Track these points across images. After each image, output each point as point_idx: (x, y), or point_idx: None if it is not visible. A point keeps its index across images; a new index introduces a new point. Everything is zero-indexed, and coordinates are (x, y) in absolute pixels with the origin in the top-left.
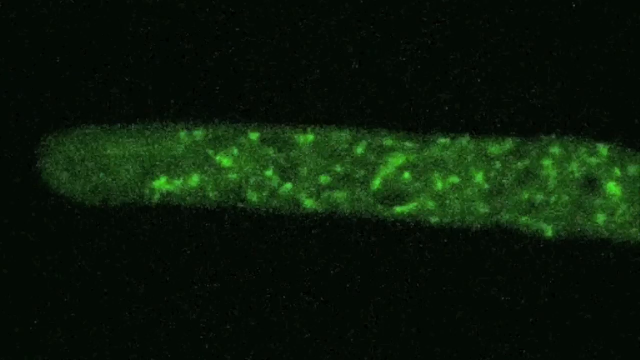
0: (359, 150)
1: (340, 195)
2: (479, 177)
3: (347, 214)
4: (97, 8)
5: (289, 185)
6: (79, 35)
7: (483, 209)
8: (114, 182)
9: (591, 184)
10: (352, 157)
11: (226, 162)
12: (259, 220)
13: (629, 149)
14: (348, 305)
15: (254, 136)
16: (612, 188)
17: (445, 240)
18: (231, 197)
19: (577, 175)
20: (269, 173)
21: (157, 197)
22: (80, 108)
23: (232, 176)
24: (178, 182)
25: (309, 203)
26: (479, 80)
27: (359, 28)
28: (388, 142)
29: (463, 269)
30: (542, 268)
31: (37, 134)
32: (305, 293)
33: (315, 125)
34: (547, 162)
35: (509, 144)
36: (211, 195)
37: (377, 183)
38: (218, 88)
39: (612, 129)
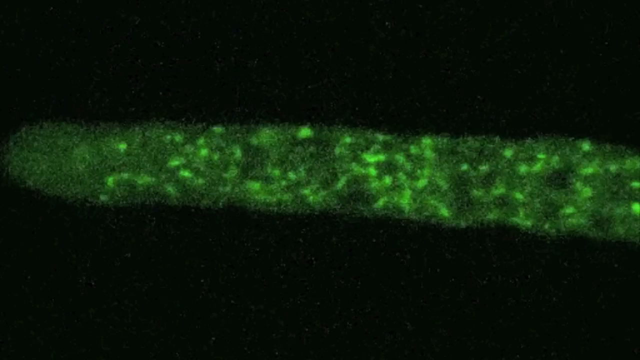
0: (336, 149)
1: (308, 193)
2: (446, 175)
3: (316, 211)
4: (66, 5)
5: (254, 183)
6: (47, 33)
7: (451, 207)
8: (75, 176)
9: (562, 180)
10: (321, 154)
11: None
12: (224, 219)
13: (607, 145)
14: (327, 303)
15: (218, 131)
16: (582, 185)
17: (418, 238)
18: (196, 196)
19: (547, 171)
20: (234, 171)
21: (108, 194)
22: (49, 103)
23: (196, 176)
24: (136, 179)
25: (259, 195)
26: (460, 79)
27: (328, 25)
28: (347, 139)
29: (438, 268)
30: (507, 263)
31: (5, 129)
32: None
33: (280, 121)
34: (508, 153)
35: (477, 142)
36: (174, 192)
37: (342, 181)
38: (189, 87)
39: (591, 125)
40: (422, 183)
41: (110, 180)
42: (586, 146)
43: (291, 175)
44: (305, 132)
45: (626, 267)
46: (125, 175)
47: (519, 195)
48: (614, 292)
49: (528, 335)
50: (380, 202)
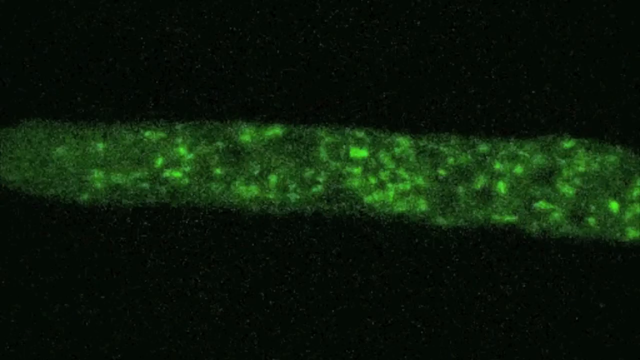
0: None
1: (290, 191)
2: (428, 174)
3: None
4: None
5: (237, 182)
6: (28, 33)
7: (434, 205)
8: (56, 175)
9: (547, 177)
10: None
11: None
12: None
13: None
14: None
15: (201, 129)
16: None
17: (401, 236)
18: (179, 195)
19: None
20: (218, 171)
21: (89, 193)
22: (31, 103)
23: (178, 175)
24: (116, 178)
25: (246, 191)
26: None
27: (310, 25)
28: (322, 134)
29: (423, 265)
30: (484, 260)
31: None
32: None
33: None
34: (484, 149)
35: (455, 140)
36: (163, 191)
37: (321, 180)
38: (173, 86)
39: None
40: (404, 181)
41: (91, 179)
42: (569, 144)
43: (272, 174)
44: (279, 130)
45: (603, 264)
46: (106, 174)
47: (501, 191)
48: (593, 289)
49: (511, 334)
50: (365, 200)
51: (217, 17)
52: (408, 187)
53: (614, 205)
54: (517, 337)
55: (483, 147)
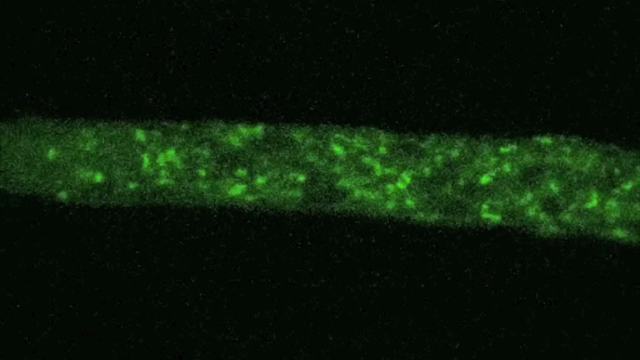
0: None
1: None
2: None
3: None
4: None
5: (222, 183)
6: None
7: (420, 203)
8: (39, 172)
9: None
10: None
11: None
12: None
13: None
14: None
15: (185, 129)
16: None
17: (387, 234)
18: (165, 195)
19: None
20: (202, 172)
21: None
22: (17, 101)
23: (164, 175)
24: (100, 177)
25: (235, 191)
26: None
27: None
28: (305, 134)
29: (410, 264)
30: (468, 260)
31: None
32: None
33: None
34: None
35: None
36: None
37: (302, 179)
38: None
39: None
40: (389, 179)
41: (74, 177)
42: (548, 140)
43: (258, 173)
44: (261, 129)
45: (587, 262)
46: (90, 173)
47: (486, 188)
48: (577, 288)
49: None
50: (349, 199)
51: (199, 17)
52: (393, 185)
53: (595, 203)
54: (503, 336)
55: (464, 146)
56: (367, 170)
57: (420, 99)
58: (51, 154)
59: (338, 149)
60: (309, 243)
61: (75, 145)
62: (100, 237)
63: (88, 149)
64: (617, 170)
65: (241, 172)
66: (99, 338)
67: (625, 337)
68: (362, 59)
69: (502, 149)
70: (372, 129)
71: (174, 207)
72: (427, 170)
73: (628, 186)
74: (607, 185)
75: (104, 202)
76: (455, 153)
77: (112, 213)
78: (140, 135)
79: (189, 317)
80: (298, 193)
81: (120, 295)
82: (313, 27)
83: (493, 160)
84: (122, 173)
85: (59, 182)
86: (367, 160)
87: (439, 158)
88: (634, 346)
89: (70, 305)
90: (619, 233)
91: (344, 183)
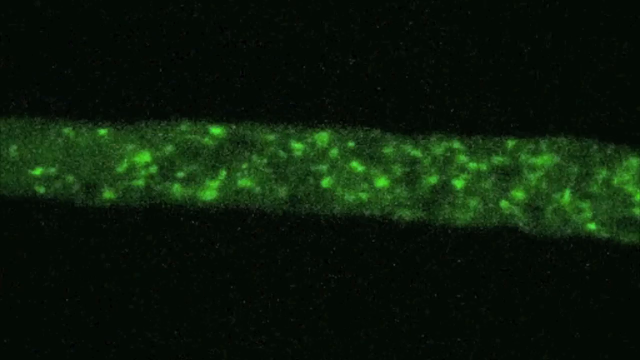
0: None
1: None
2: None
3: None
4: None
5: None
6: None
7: (405, 202)
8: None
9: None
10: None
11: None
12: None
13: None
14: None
15: (152, 127)
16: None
17: (372, 234)
18: (134, 195)
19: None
20: (181, 174)
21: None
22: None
23: (134, 174)
24: (63, 176)
25: (210, 195)
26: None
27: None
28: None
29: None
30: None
31: None
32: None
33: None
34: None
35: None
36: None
37: (293, 180)
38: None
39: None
40: (369, 179)
41: (36, 176)
42: (512, 142)
43: (237, 174)
44: (222, 130)
45: (563, 260)
46: (54, 171)
47: (460, 190)
48: (555, 286)
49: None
50: (332, 199)
51: (169, 17)
52: (372, 185)
53: (568, 200)
54: (492, 336)
55: (440, 146)
56: (345, 169)
57: (418, 99)
58: (13, 151)
59: (320, 150)
60: (291, 243)
61: (42, 144)
62: (72, 239)
63: (54, 148)
64: (593, 167)
65: (217, 172)
66: (83, 339)
67: (614, 337)
68: (335, 57)
69: (476, 149)
70: (343, 128)
71: (149, 208)
72: (398, 170)
73: (604, 182)
74: (583, 183)
75: (80, 203)
76: (437, 151)
77: (88, 214)
78: (107, 133)
79: (175, 318)
80: (281, 195)
81: (96, 297)
82: (289, 24)
83: (466, 158)
84: (91, 174)
85: (26, 182)
86: (347, 161)
87: (414, 157)
88: (631, 346)
89: (54, 308)
90: (599, 230)
91: (324, 183)
